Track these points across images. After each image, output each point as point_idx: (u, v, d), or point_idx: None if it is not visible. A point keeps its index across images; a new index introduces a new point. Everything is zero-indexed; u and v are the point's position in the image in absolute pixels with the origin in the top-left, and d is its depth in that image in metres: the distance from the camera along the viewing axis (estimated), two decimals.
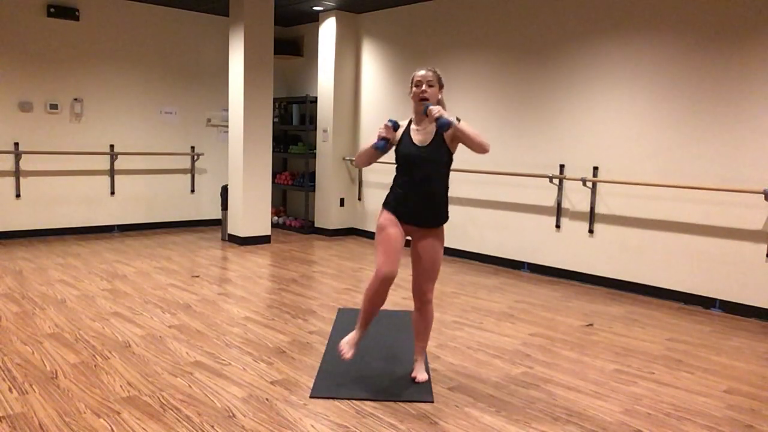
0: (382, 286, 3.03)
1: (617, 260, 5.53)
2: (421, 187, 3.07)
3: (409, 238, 3.19)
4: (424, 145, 3.07)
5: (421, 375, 3.26)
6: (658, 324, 4.52)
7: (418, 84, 3.06)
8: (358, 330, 3.18)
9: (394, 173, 3.18)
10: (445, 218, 3.17)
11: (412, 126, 3.14)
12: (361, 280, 5.62)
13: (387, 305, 4.75)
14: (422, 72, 3.08)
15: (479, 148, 2.99)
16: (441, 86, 3.11)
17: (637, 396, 3.19)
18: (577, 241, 5.81)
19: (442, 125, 2.93)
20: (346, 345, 3.15)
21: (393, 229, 3.07)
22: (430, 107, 2.96)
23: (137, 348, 3.70)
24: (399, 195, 3.11)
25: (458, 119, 2.98)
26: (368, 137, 7.84)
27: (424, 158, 3.05)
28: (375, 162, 3.20)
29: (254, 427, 2.73)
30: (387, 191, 3.21)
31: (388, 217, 3.10)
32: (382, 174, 7.64)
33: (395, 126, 3.13)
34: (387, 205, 3.15)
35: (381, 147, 3.09)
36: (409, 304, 4.63)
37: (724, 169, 4.84)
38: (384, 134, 3.09)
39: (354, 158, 3.10)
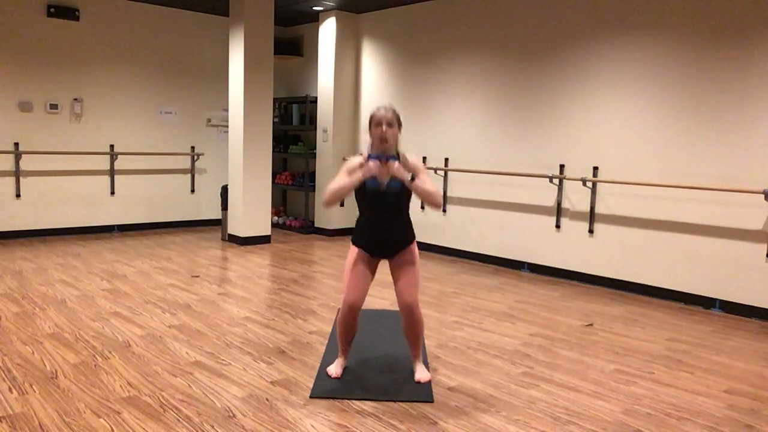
0: (349, 315, 3.16)
1: (617, 260, 5.53)
2: (384, 222, 3.19)
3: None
4: (384, 186, 3.14)
5: (423, 376, 3.27)
6: (658, 324, 4.52)
7: (378, 124, 3.12)
8: (341, 355, 3.33)
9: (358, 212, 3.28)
10: (411, 239, 3.28)
11: (370, 155, 3.19)
12: None
13: (387, 305, 4.75)
14: (381, 112, 3.13)
15: (431, 205, 3.11)
16: (399, 125, 3.18)
17: (637, 396, 3.19)
18: (577, 241, 5.81)
19: (393, 188, 3.08)
20: (332, 369, 3.31)
21: (361, 265, 3.21)
22: (391, 162, 3.03)
23: (137, 348, 3.70)
24: (364, 232, 3.24)
25: (412, 177, 3.07)
26: (368, 138, 7.83)
27: (384, 194, 3.13)
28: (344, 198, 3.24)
29: (254, 427, 2.73)
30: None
31: (357, 254, 3.24)
32: None
33: (385, 159, 3.14)
34: (355, 242, 3.29)
35: (373, 185, 3.11)
36: None
37: (724, 169, 4.85)
38: (374, 170, 3.09)
39: (325, 196, 3.08)
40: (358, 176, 3.05)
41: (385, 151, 3.13)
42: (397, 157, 3.15)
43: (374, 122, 3.13)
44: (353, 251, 3.26)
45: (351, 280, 3.17)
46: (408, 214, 3.27)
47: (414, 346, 3.29)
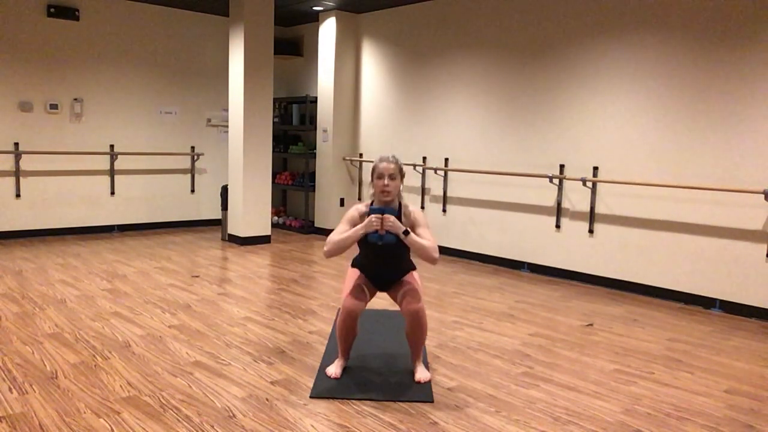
0: (348, 320, 3.16)
1: (617, 260, 5.53)
2: (382, 265, 3.26)
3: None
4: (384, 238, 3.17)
5: (423, 375, 3.27)
6: (658, 324, 4.52)
7: (380, 176, 3.15)
8: (341, 357, 3.34)
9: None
10: (411, 268, 3.35)
11: (371, 207, 3.21)
12: None
13: (387, 305, 4.75)
14: (383, 164, 3.16)
15: (424, 260, 3.13)
16: (402, 176, 3.22)
17: (637, 396, 3.19)
18: (577, 241, 5.81)
19: (387, 240, 3.09)
20: (331, 369, 3.31)
21: (362, 278, 3.28)
22: (387, 214, 3.06)
23: (137, 348, 3.70)
24: (364, 266, 3.32)
25: (406, 232, 3.08)
26: (368, 138, 7.85)
27: (384, 243, 3.16)
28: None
29: (254, 427, 2.73)
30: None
31: (358, 272, 3.33)
32: None
33: (385, 212, 3.15)
34: (355, 262, 3.36)
35: (376, 239, 3.14)
36: None
37: (724, 169, 4.85)
38: (378, 225, 3.11)
39: (327, 246, 3.15)
40: (360, 230, 3.09)
41: (386, 203, 3.19)
42: (399, 207, 3.21)
43: (376, 174, 3.18)
44: (353, 270, 3.35)
45: (351, 287, 3.20)
46: (408, 259, 3.33)
47: (415, 349, 3.29)
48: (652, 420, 2.91)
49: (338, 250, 3.11)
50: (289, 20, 8.55)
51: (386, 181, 3.14)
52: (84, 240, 7.21)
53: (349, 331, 3.21)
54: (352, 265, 3.38)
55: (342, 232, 3.15)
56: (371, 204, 3.26)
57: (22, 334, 3.88)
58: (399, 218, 3.18)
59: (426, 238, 3.13)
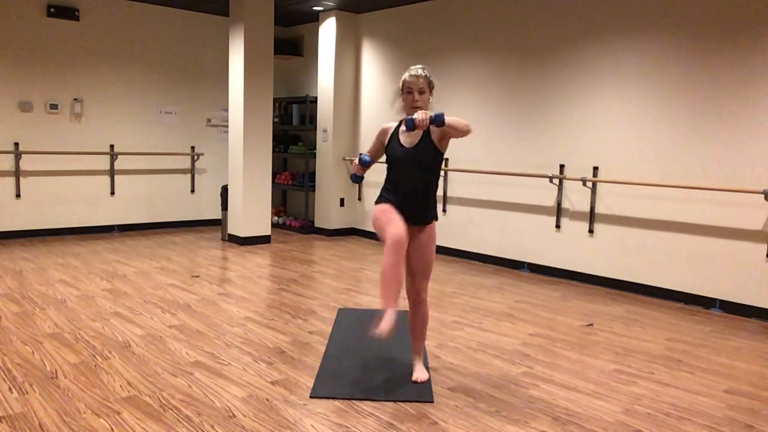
0: (398, 248, 2.84)
1: (617, 260, 5.53)
2: (410, 187, 3.09)
3: None
4: (412, 146, 3.08)
5: (421, 375, 3.26)
6: (658, 324, 4.52)
7: (410, 91, 3.03)
8: (391, 308, 2.84)
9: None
10: (435, 216, 3.20)
11: (402, 127, 3.13)
12: (361, 280, 5.62)
13: None
14: (413, 77, 3.01)
15: (465, 134, 2.94)
16: (431, 88, 3.07)
17: (637, 396, 3.19)
18: (577, 241, 5.81)
19: (438, 124, 2.87)
20: (385, 325, 2.82)
21: (392, 210, 3.04)
22: (415, 118, 2.84)
23: (137, 348, 3.70)
24: (389, 194, 3.13)
25: (442, 115, 2.90)
26: (368, 138, 7.84)
27: (412, 160, 3.07)
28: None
29: (254, 427, 2.73)
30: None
31: (383, 205, 3.10)
32: (383, 174, 7.62)
33: (363, 162, 3.16)
34: (380, 200, 3.18)
35: (358, 181, 3.33)
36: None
37: (724, 169, 4.85)
38: (355, 171, 3.24)
39: (353, 166, 3.18)
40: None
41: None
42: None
43: (405, 88, 3.05)
44: (378, 206, 3.11)
45: (388, 219, 2.95)
46: (436, 185, 3.15)
47: (417, 340, 3.29)
48: (652, 420, 2.91)
49: (364, 170, 3.23)
50: (289, 20, 8.55)
51: (416, 96, 3.00)
52: (84, 240, 7.21)
53: (399, 262, 2.84)
54: (376, 203, 3.18)
55: (368, 150, 3.27)
56: (400, 122, 3.12)
57: (22, 334, 3.88)
58: (428, 131, 3.03)
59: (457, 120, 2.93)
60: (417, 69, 3.06)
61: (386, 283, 2.85)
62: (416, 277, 3.18)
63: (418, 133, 3.08)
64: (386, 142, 3.18)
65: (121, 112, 7.71)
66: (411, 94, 3.03)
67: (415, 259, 3.15)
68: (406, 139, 3.10)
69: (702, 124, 4.96)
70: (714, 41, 4.87)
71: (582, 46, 5.68)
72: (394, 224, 2.93)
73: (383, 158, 3.26)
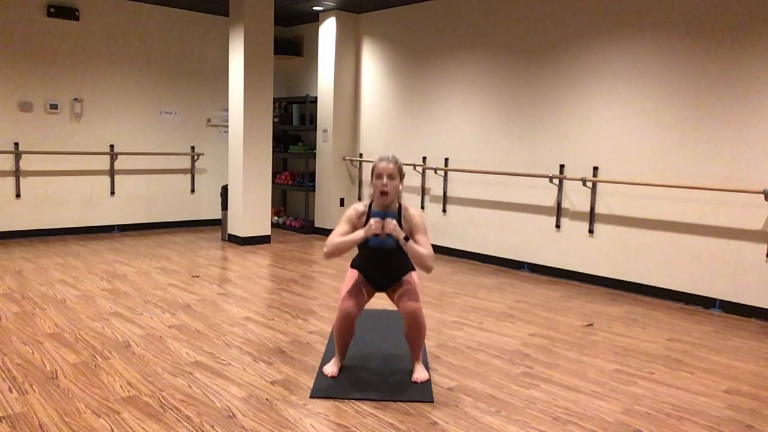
0: (345, 322, 3.16)
1: (617, 260, 5.53)
2: (381, 265, 3.25)
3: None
4: (384, 237, 3.14)
5: (421, 375, 3.26)
6: (658, 324, 4.52)
7: (379, 176, 3.11)
8: (338, 356, 3.34)
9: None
10: (408, 270, 3.31)
11: (372, 211, 3.19)
12: None
13: (387, 305, 4.75)
14: (383, 164, 3.11)
15: (421, 268, 3.12)
16: (401, 176, 3.18)
17: (637, 396, 3.19)
18: (577, 241, 5.81)
19: (388, 243, 3.09)
20: (328, 368, 3.32)
21: (360, 281, 3.26)
22: (389, 219, 3.04)
23: (137, 348, 3.70)
24: (363, 267, 3.30)
25: (406, 238, 3.07)
26: (368, 138, 7.84)
27: (383, 247, 3.15)
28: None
29: (254, 427, 2.73)
30: None
31: (357, 274, 3.31)
32: None
33: (383, 216, 3.13)
34: (355, 267, 3.33)
35: (378, 243, 3.12)
36: None
37: (724, 169, 4.85)
38: (378, 228, 3.07)
39: (327, 248, 3.12)
40: (360, 234, 3.07)
41: (385, 203, 3.14)
42: (399, 209, 3.18)
43: (375, 174, 3.13)
44: (353, 271, 3.34)
45: (349, 291, 3.19)
46: (407, 260, 3.31)
47: (415, 350, 3.29)
48: (652, 420, 2.92)
49: (338, 252, 3.10)
50: (289, 20, 8.55)
51: (385, 181, 3.09)
52: (84, 240, 7.21)
53: (345, 332, 3.21)
54: (352, 266, 3.37)
55: (342, 233, 3.14)
56: (370, 204, 3.23)
57: (22, 334, 3.88)
58: (399, 221, 3.17)
59: (424, 245, 3.11)
60: (388, 156, 3.17)
61: (337, 339, 3.26)
62: (404, 297, 3.15)
63: (391, 218, 3.14)
64: (362, 224, 3.22)
65: (121, 112, 7.71)
66: (380, 179, 3.11)
67: (399, 291, 3.20)
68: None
69: (702, 124, 4.96)
70: (714, 41, 4.87)
71: (582, 46, 5.68)
72: (350, 298, 3.15)
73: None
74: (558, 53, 5.87)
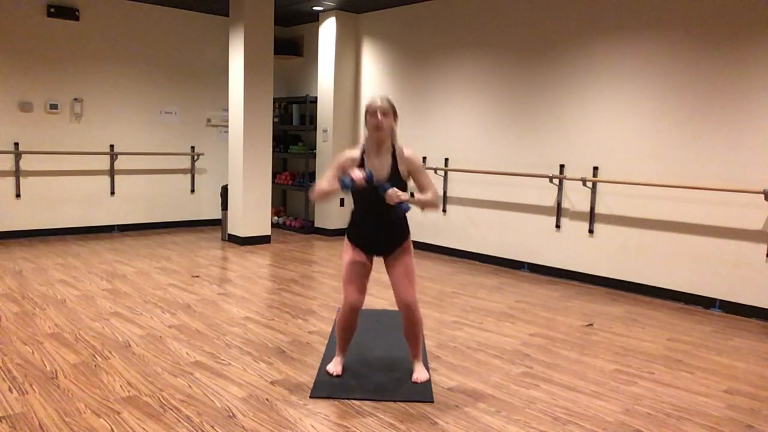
0: (350, 315, 3.17)
1: (617, 260, 5.53)
2: (378, 219, 3.12)
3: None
4: (379, 178, 3.06)
5: (421, 375, 3.26)
6: (658, 324, 4.52)
7: (373, 114, 3.03)
8: (340, 354, 3.35)
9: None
10: (406, 236, 3.21)
11: (368, 159, 3.10)
12: None
13: (387, 305, 4.75)
14: (377, 103, 3.04)
15: (433, 211, 3.09)
16: (395, 116, 3.09)
17: (637, 396, 3.19)
18: (577, 241, 5.81)
19: (403, 210, 2.95)
20: (332, 367, 3.32)
21: (357, 263, 3.16)
22: (388, 191, 2.90)
23: (137, 348, 3.70)
24: (358, 228, 3.19)
25: (412, 194, 3.01)
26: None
27: (380, 194, 2.99)
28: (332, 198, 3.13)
29: (254, 427, 2.73)
30: None
31: (352, 251, 3.19)
32: None
33: (369, 178, 2.95)
34: (349, 237, 3.23)
35: (348, 185, 2.93)
36: None
37: (724, 169, 4.84)
38: (355, 177, 2.91)
39: (312, 193, 3.07)
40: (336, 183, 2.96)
41: (379, 140, 3.04)
42: (393, 151, 3.07)
43: (369, 112, 3.05)
44: (348, 247, 3.21)
45: (350, 280, 3.15)
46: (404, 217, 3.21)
47: (413, 347, 3.28)
48: (652, 420, 2.92)
49: (323, 199, 3.07)
50: (289, 20, 8.55)
51: (379, 117, 3.00)
52: (84, 240, 7.21)
53: (350, 326, 3.21)
54: (347, 237, 3.24)
55: (329, 178, 3.02)
56: (363, 152, 3.09)
57: (22, 334, 3.88)
58: (395, 164, 3.05)
59: (427, 187, 3.05)
60: (379, 96, 3.10)
61: (341, 333, 3.26)
62: (401, 286, 3.13)
63: (385, 167, 3.06)
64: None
65: (121, 112, 7.71)
66: (374, 116, 3.02)
67: (394, 270, 3.16)
68: (374, 170, 3.05)
69: (702, 124, 4.96)
70: (714, 41, 4.87)
71: (582, 46, 5.68)
72: (354, 290, 3.12)
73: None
74: (558, 53, 5.87)
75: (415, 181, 3.10)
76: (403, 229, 3.20)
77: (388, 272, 3.22)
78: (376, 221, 3.13)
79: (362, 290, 3.16)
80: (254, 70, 7.06)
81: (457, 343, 3.94)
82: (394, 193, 2.91)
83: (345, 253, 3.22)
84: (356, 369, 3.40)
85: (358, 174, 2.90)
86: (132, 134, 7.82)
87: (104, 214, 7.72)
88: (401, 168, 3.07)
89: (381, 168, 3.07)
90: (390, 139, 3.09)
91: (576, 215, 5.82)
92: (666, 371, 3.57)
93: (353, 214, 3.24)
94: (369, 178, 2.92)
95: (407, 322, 3.17)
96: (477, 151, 6.59)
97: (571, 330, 4.30)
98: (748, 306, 4.78)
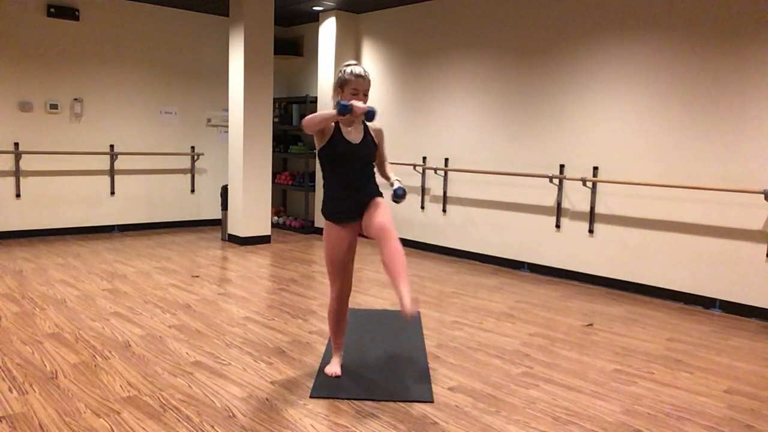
0: (339, 302, 3.25)
1: (617, 260, 5.53)
2: (356, 182, 3.13)
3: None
4: (357, 143, 3.14)
5: (408, 304, 2.73)
6: (658, 324, 4.52)
7: (355, 93, 3.02)
8: (336, 352, 3.37)
9: (324, 179, 3.21)
10: (378, 193, 3.21)
11: (342, 127, 3.12)
12: (361, 280, 5.62)
13: (387, 305, 4.75)
14: (360, 77, 3.02)
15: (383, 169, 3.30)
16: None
17: (637, 396, 3.19)
18: (577, 241, 5.81)
19: (371, 114, 2.93)
20: (330, 369, 3.32)
21: (340, 246, 3.15)
22: (354, 107, 2.88)
23: (137, 348, 3.70)
24: (336, 199, 3.13)
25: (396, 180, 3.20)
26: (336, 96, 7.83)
27: (360, 155, 3.13)
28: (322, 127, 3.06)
29: (254, 427, 2.73)
30: (386, 190, 3.23)
31: (332, 231, 3.15)
32: None
33: (402, 194, 3.05)
34: (326, 214, 3.18)
35: (346, 109, 2.85)
36: None
37: (724, 169, 4.84)
38: (357, 108, 2.88)
39: (308, 120, 2.97)
40: (334, 113, 2.90)
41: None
42: (365, 123, 3.18)
43: (350, 87, 3.02)
44: (330, 229, 3.15)
45: (334, 266, 3.18)
46: (374, 175, 3.25)
47: (397, 275, 2.82)
48: (652, 420, 2.92)
49: (317, 125, 2.96)
50: (289, 20, 8.55)
51: (362, 98, 3.03)
52: (84, 240, 7.21)
53: (341, 314, 3.27)
54: (325, 216, 3.17)
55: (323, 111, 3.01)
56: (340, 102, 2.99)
57: (22, 334, 3.88)
58: (366, 129, 3.18)
59: (385, 156, 3.33)
60: (361, 69, 3.06)
61: (333, 326, 3.31)
62: (375, 216, 2.99)
63: (359, 129, 3.16)
64: (329, 138, 3.09)
65: (121, 112, 7.71)
66: (356, 94, 3.03)
67: (368, 211, 3.08)
68: (351, 137, 3.12)
69: (702, 124, 4.96)
70: (714, 41, 4.87)
71: (582, 45, 5.68)
72: (338, 277, 3.19)
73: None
74: (558, 53, 5.87)
75: (379, 150, 3.25)
76: (374, 188, 3.20)
77: (365, 223, 3.09)
78: (352, 185, 3.11)
79: (348, 276, 3.22)
80: (254, 70, 7.06)
81: (457, 343, 3.94)
82: (360, 105, 2.91)
83: (327, 239, 3.17)
84: (356, 369, 3.40)
85: (360, 105, 2.91)
86: (132, 134, 7.82)
87: (104, 214, 7.72)
88: (373, 135, 3.22)
89: (357, 133, 3.15)
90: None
91: (576, 215, 5.82)
92: (666, 371, 3.57)
93: (329, 187, 3.17)
94: (401, 194, 3.05)
95: (385, 246, 2.87)
96: (477, 151, 6.59)
97: (571, 330, 4.31)
98: (748, 306, 4.78)
